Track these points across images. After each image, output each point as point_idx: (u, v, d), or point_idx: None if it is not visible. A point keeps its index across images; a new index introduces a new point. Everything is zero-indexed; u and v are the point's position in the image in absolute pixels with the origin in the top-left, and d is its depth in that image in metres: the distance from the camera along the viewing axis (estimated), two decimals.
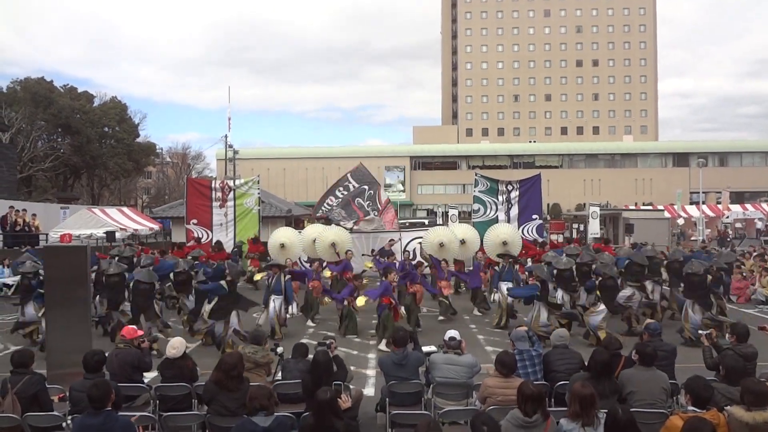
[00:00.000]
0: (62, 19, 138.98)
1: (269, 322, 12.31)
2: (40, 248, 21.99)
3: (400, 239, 19.55)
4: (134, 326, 8.17)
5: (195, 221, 22.11)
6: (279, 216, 27.45)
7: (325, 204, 21.74)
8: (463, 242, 16.84)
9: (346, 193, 21.68)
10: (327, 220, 20.56)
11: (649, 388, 5.88)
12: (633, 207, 48.61)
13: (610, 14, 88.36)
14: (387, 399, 6.62)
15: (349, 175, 22.32)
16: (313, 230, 17.85)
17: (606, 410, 4.82)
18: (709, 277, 11.90)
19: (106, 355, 6.64)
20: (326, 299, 13.98)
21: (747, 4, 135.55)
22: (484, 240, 17.05)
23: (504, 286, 13.59)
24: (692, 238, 37.72)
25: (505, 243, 16.31)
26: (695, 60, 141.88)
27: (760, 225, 41.60)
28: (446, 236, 16.36)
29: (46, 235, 23.56)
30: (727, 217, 43.08)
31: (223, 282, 11.07)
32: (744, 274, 17.62)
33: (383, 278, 12.38)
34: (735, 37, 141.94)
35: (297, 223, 29.93)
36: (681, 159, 73.94)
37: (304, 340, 9.25)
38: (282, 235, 17.50)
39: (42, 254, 11.32)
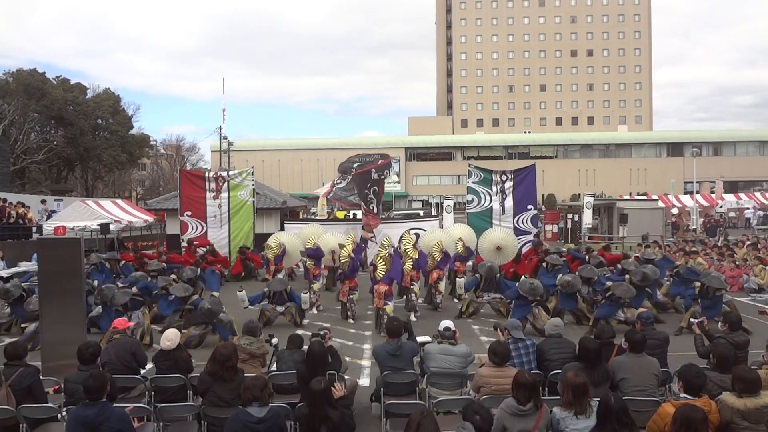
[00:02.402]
0: (55, 9, 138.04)
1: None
2: (34, 240, 21.95)
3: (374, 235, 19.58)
4: (124, 318, 8.20)
5: (189, 213, 22.01)
6: (274, 208, 27.35)
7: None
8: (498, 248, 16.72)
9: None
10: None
11: (640, 375, 5.94)
12: (627, 197, 48.80)
13: (605, 4, 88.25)
14: (381, 389, 6.66)
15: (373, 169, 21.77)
16: (313, 230, 17.72)
17: (598, 398, 4.86)
18: None
19: (101, 347, 6.66)
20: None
21: None
22: (479, 247, 16.97)
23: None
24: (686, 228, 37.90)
25: (499, 248, 16.30)
26: (690, 49, 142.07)
27: (749, 214, 41.78)
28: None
29: (40, 227, 23.46)
30: (721, 207, 43.31)
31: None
32: (737, 263, 17.71)
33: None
34: (730, 25, 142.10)
35: (292, 215, 29.89)
36: (675, 149, 74.09)
37: (298, 331, 9.27)
38: (283, 240, 17.24)
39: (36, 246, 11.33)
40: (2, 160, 31.96)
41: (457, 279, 14.72)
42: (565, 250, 16.31)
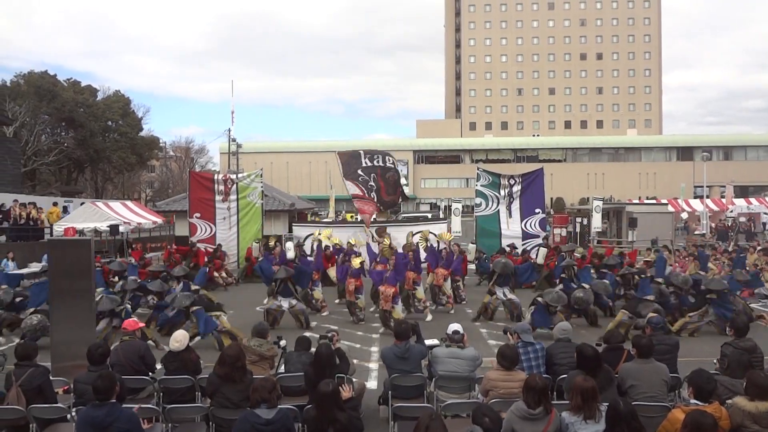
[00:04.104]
0: (62, 11, 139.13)
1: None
2: (45, 241, 22.11)
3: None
4: (134, 319, 8.24)
5: (198, 215, 22.13)
6: (282, 210, 27.46)
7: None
8: None
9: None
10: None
11: (649, 381, 5.89)
12: (636, 201, 48.60)
13: (615, 7, 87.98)
14: (389, 392, 6.65)
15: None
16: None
17: (606, 403, 4.83)
18: None
19: (111, 347, 6.70)
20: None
21: None
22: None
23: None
24: (696, 232, 37.69)
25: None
26: (700, 53, 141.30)
27: (766, 219, 41.30)
28: None
29: (50, 228, 23.62)
30: (731, 212, 42.97)
31: None
32: (747, 269, 17.57)
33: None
34: (740, 28, 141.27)
35: (300, 217, 29.95)
36: (685, 153, 73.76)
37: (306, 333, 9.28)
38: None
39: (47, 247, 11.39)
40: (13, 162, 32.20)
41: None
42: (578, 255, 16.16)
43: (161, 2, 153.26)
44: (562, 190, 67.49)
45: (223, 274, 19.24)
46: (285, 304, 12.55)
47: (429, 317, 13.04)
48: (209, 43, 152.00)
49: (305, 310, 12.81)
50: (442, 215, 48.75)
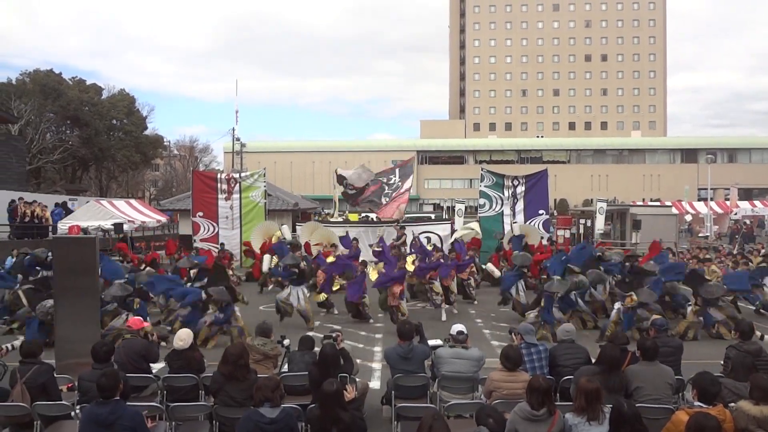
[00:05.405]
0: (68, 10, 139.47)
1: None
2: (49, 239, 22.18)
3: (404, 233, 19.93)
4: (139, 317, 8.25)
5: (201, 214, 22.19)
6: (285, 209, 27.49)
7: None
8: None
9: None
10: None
11: (654, 383, 5.89)
12: (641, 203, 48.50)
13: (620, 9, 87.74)
14: (393, 392, 6.65)
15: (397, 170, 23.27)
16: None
17: (610, 405, 4.83)
18: None
19: (115, 345, 6.71)
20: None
21: None
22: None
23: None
24: (700, 234, 37.62)
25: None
26: (706, 55, 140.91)
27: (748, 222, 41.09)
28: None
29: (55, 226, 23.69)
30: (735, 214, 42.87)
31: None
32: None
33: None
34: (746, 31, 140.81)
35: (304, 216, 29.97)
36: (689, 155, 73.54)
37: (310, 333, 9.28)
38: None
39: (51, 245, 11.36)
40: (18, 160, 32.29)
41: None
42: None
43: (166, 2, 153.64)
44: (566, 191, 67.31)
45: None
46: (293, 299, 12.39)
47: (444, 317, 13.06)
48: (214, 42, 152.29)
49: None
50: (445, 216, 48.74)
